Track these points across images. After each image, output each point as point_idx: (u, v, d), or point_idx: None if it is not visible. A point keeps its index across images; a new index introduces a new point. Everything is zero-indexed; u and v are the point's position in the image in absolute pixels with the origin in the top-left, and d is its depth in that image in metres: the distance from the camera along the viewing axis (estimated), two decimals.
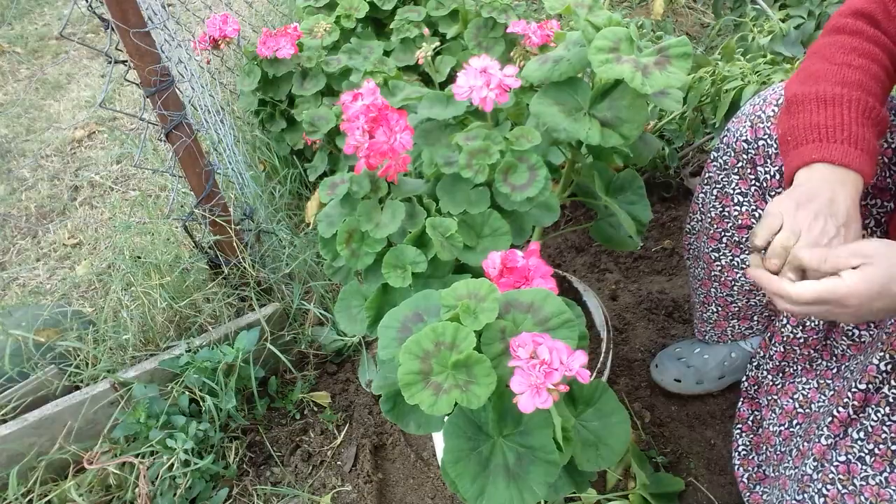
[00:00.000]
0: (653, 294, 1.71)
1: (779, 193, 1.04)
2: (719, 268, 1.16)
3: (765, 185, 1.05)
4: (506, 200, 0.99)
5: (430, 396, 0.69)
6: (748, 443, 1.18)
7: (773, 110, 1.01)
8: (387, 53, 1.93)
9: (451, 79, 1.65)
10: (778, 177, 1.03)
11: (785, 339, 1.12)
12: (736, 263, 1.14)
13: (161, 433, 1.34)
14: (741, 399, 1.24)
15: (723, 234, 1.14)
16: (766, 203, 1.06)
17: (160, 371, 1.44)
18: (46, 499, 1.30)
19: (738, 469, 1.17)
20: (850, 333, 1.03)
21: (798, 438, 1.00)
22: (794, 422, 1.08)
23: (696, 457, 1.35)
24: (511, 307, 0.77)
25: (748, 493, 1.14)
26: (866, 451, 0.88)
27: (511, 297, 0.78)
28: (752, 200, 1.08)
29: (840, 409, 0.92)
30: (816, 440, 0.95)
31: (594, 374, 1.16)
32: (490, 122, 1.08)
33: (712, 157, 1.14)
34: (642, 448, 1.35)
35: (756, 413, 1.21)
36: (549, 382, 0.65)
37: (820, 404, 1.05)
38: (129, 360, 1.49)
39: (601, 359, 1.17)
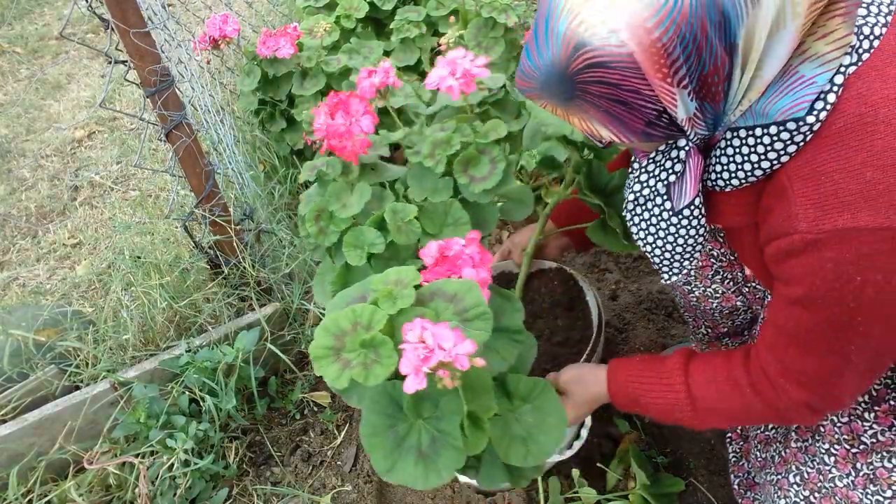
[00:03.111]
0: (653, 294, 1.71)
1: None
2: (695, 299, 1.17)
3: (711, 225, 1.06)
4: (465, 191, 1.00)
5: (336, 371, 0.74)
6: (738, 450, 1.18)
7: None
8: (387, 53, 1.93)
9: None
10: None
11: None
12: (709, 294, 1.14)
13: (161, 433, 1.34)
14: None
15: (692, 266, 1.15)
16: (717, 242, 1.09)
17: (160, 371, 1.44)
18: (46, 499, 1.30)
19: (731, 475, 1.18)
20: None
21: (778, 444, 1.01)
22: (770, 426, 1.09)
23: (696, 457, 1.35)
24: (436, 295, 0.79)
25: (740, 499, 1.15)
26: (823, 451, 0.90)
27: (438, 286, 0.80)
28: (707, 241, 1.10)
29: None
30: (790, 443, 0.97)
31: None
32: (470, 114, 1.08)
33: None
34: (642, 448, 1.35)
35: None
36: (426, 365, 0.68)
37: None
38: (129, 360, 1.49)
39: (584, 355, 1.18)
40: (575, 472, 1.23)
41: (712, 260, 1.10)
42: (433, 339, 0.69)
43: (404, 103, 1.21)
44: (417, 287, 0.79)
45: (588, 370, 1.05)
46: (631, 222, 0.87)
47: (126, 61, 1.30)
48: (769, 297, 1.00)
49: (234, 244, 1.54)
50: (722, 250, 1.08)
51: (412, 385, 0.68)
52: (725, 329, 1.23)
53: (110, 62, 1.28)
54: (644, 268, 1.85)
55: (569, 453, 1.19)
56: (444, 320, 0.76)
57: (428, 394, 0.77)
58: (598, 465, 1.29)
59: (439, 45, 1.32)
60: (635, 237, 0.88)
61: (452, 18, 1.84)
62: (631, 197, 0.84)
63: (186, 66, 1.52)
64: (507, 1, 1.77)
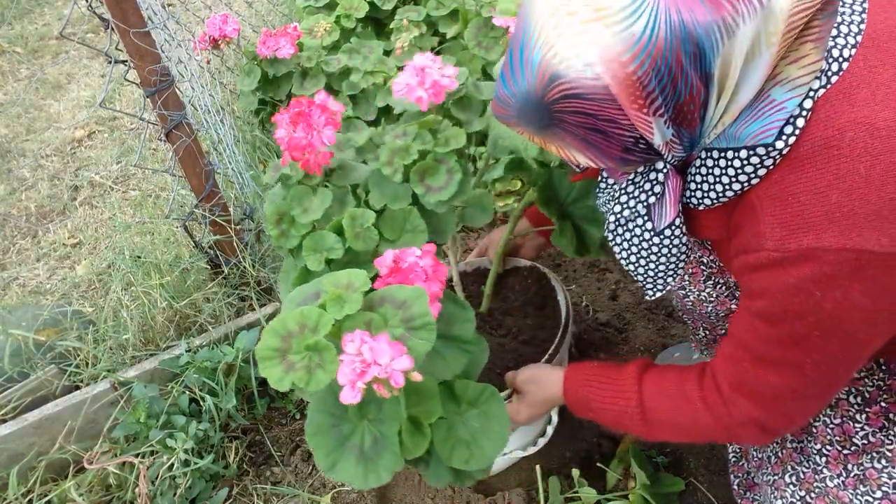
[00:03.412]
0: None
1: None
2: (690, 304, 1.17)
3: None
4: (422, 200, 1.00)
5: (280, 372, 0.74)
6: (738, 450, 1.18)
7: None
8: (387, 53, 1.92)
9: None
10: None
11: None
12: (704, 298, 1.14)
13: (161, 433, 1.34)
14: None
15: (684, 273, 1.15)
16: (705, 249, 1.10)
17: (160, 371, 1.44)
18: (46, 499, 1.30)
19: (730, 475, 1.19)
20: None
21: (775, 444, 1.01)
22: None
23: (696, 457, 1.35)
24: (385, 301, 0.79)
25: (740, 499, 1.15)
26: (815, 451, 0.91)
27: (389, 291, 0.80)
28: (696, 248, 1.10)
29: None
30: (786, 444, 0.97)
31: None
32: (435, 117, 1.06)
33: None
34: (642, 448, 1.35)
35: None
36: (361, 381, 0.68)
37: None
38: (129, 359, 1.49)
39: (546, 355, 1.18)
40: (575, 472, 1.23)
41: (702, 267, 1.10)
42: (371, 354, 0.69)
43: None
44: (368, 293, 0.79)
45: (546, 371, 1.06)
46: (613, 242, 0.88)
47: (126, 61, 1.30)
48: None
49: (234, 244, 1.55)
50: (711, 258, 1.09)
51: (347, 397, 0.69)
52: (723, 331, 1.23)
53: (110, 62, 1.28)
54: None
55: (532, 450, 1.19)
56: (391, 327, 0.76)
57: (373, 396, 0.79)
58: (598, 465, 1.29)
59: (396, 50, 1.29)
60: (618, 256, 0.88)
61: (406, 22, 1.83)
62: (612, 218, 0.85)
63: (186, 66, 1.53)
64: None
